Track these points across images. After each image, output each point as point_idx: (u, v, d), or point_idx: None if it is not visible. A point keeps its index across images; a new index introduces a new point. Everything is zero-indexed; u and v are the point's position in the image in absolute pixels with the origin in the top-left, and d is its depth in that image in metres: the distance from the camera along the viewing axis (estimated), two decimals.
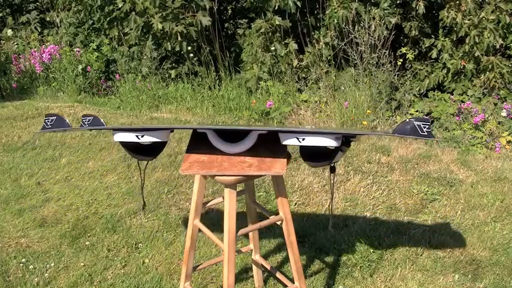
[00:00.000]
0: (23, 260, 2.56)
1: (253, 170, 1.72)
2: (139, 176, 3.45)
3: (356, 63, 4.67)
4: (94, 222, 2.92)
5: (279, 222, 1.92)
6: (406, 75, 4.94)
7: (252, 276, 2.37)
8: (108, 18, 5.58)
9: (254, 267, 2.32)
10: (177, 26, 4.99)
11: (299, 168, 3.48)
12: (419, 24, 5.03)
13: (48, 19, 6.70)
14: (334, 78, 4.84)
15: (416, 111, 4.63)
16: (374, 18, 4.67)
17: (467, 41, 4.63)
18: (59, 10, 6.48)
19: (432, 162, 3.70)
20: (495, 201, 3.16)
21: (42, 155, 3.82)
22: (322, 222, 2.90)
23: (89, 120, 1.91)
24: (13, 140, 4.12)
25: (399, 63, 4.81)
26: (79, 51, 5.78)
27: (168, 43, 5.08)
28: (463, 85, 4.77)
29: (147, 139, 1.77)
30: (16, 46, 6.46)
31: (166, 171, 3.52)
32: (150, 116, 4.76)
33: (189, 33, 5.02)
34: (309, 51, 5.04)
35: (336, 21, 4.75)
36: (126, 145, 1.87)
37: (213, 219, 2.90)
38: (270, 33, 5.02)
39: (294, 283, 2.00)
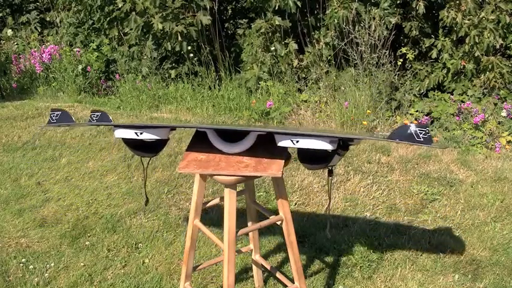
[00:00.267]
0: (23, 260, 2.56)
1: (249, 171, 1.71)
2: (139, 176, 3.45)
3: (356, 63, 4.66)
4: (94, 222, 2.92)
5: (279, 222, 1.92)
6: (406, 75, 4.94)
7: (252, 276, 2.37)
8: (108, 18, 5.58)
9: (254, 267, 2.32)
10: (177, 26, 4.99)
11: (299, 168, 3.48)
12: (420, 24, 5.03)
13: (48, 19, 6.70)
14: (334, 78, 4.84)
15: (416, 111, 4.63)
16: (374, 18, 4.67)
17: (467, 41, 4.63)
18: (59, 10, 6.48)
19: (432, 162, 3.70)
20: (495, 201, 3.16)
21: (42, 155, 3.82)
22: (322, 222, 2.90)
23: (97, 115, 1.93)
24: (13, 140, 4.12)
25: (399, 63, 4.81)
26: (79, 51, 5.78)
27: (168, 43, 5.08)
28: (463, 85, 4.77)
29: (146, 136, 1.78)
30: (16, 46, 6.46)
31: (166, 171, 3.52)
32: (150, 116, 4.76)
33: (189, 33, 5.02)
34: (309, 51, 5.04)
35: (336, 21, 4.75)
36: (128, 142, 1.88)
37: (213, 219, 2.90)
38: (270, 33, 5.02)
39: (294, 283, 2.00)
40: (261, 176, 1.74)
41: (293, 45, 5.00)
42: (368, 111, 4.45)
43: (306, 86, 5.00)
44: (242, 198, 2.76)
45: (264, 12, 5.05)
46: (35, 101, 5.30)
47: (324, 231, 2.79)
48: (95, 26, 5.90)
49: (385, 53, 4.55)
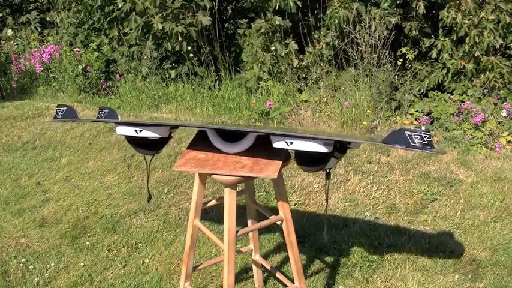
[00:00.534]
0: (23, 260, 2.56)
1: (245, 171, 1.71)
2: (139, 176, 3.45)
3: (356, 63, 4.67)
4: (94, 222, 2.92)
5: (279, 222, 1.92)
6: (406, 75, 4.94)
7: (252, 276, 2.37)
8: (108, 18, 5.58)
9: (254, 267, 2.32)
10: (177, 26, 4.99)
11: (299, 169, 3.47)
12: (420, 24, 5.03)
13: (48, 19, 6.70)
14: (334, 78, 4.84)
15: (416, 111, 4.63)
16: (374, 18, 4.67)
17: (467, 41, 4.63)
18: (59, 10, 6.48)
19: (432, 162, 3.70)
20: (495, 201, 3.16)
21: (42, 155, 3.82)
22: (322, 222, 2.90)
23: (105, 112, 1.95)
24: (13, 140, 4.12)
25: (399, 63, 4.81)
26: (79, 51, 5.78)
27: (168, 43, 5.08)
28: (463, 85, 4.77)
29: (146, 134, 1.80)
30: (16, 46, 6.46)
31: (166, 171, 3.52)
32: (150, 116, 4.76)
33: (189, 33, 5.02)
34: (309, 51, 5.04)
35: (336, 21, 4.75)
36: (130, 140, 1.90)
37: (213, 219, 2.90)
38: (270, 33, 5.02)
39: (294, 283, 2.00)
40: (257, 177, 1.73)
41: (293, 45, 5.00)
42: (368, 111, 4.45)
43: (306, 86, 5.00)
44: (242, 198, 2.76)
45: (264, 12, 5.05)
46: (35, 101, 5.29)
47: (326, 230, 2.80)
48: (95, 26, 5.90)
49: (385, 53, 4.55)
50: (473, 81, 4.74)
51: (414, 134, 1.49)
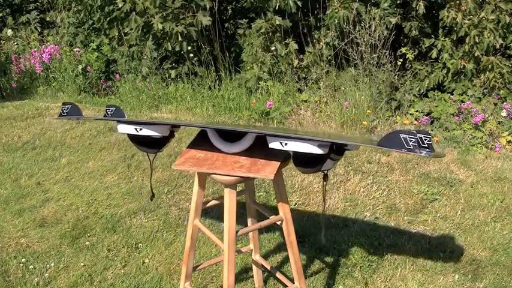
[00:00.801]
0: (23, 260, 2.56)
1: (242, 171, 1.71)
2: (139, 176, 3.45)
3: (356, 63, 4.67)
4: (94, 222, 2.92)
5: (279, 222, 1.92)
6: (406, 75, 4.94)
7: (252, 276, 2.37)
8: (108, 18, 5.58)
9: (254, 267, 2.32)
10: (177, 26, 4.99)
11: None
12: (419, 24, 5.03)
13: (48, 19, 6.70)
14: (334, 78, 4.84)
15: (416, 111, 4.63)
16: (374, 18, 4.67)
17: (467, 41, 4.63)
18: (59, 10, 6.48)
19: (432, 162, 3.70)
20: (495, 201, 3.16)
21: (42, 155, 3.82)
22: (323, 222, 2.90)
23: (112, 110, 1.97)
24: (13, 140, 4.12)
25: (399, 63, 4.81)
26: (79, 51, 5.78)
27: (168, 43, 5.08)
28: (463, 85, 4.77)
29: (145, 132, 1.81)
30: (16, 46, 6.46)
31: (166, 171, 3.52)
32: (150, 116, 4.76)
33: (189, 33, 5.02)
34: (309, 51, 5.04)
35: (336, 21, 4.75)
36: (132, 138, 1.91)
37: (213, 219, 2.90)
38: (270, 33, 5.02)
39: (294, 283, 2.00)
40: (254, 178, 1.73)
41: (293, 45, 5.00)
42: (368, 111, 4.45)
43: (306, 86, 5.00)
44: (242, 198, 2.76)
45: (264, 12, 5.05)
46: (35, 101, 5.30)
47: (324, 231, 2.80)
48: (95, 26, 5.90)
49: (385, 53, 4.55)
50: (473, 81, 4.74)
51: (409, 137, 1.45)
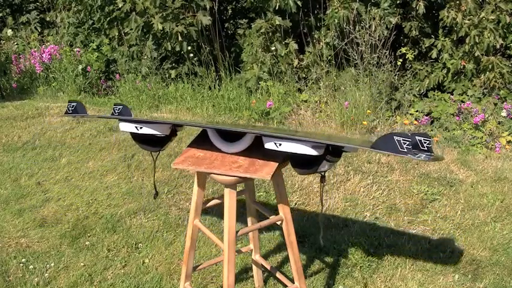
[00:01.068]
0: (23, 260, 2.56)
1: (239, 171, 1.71)
2: (139, 176, 3.45)
3: (356, 63, 4.67)
4: (94, 222, 2.92)
5: (279, 222, 1.92)
6: (406, 75, 4.94)
7: (252, 276, 2.37)
8: (108, 18, 5.58)
9: (254, 267, 2.32)
10: (177, 26, 4.99)
11: None
12: (419, 24, 5.03)
13: (48, 19, 6.70)
14: (334, 78, 4.84)
15: (416, 111, 4.63)
16: (374, 18, 4.67)
17: (467, 41, 4.63)
18: (59, 10, 6.48)
19: (432, 162, 3.70)
20: (495, 201, 3.16)
21: (42, 155, 3.82)
22: (323, 222, 2.90)
23: (119, 108, 2.00)
24: (13, 140, 4.12)
25: (399, 63, 4.81)
26: (79, 51, 5.78)
27: (168, 43, 5.08)
28: (463, 85, 4.77)
29: (146, 131, 1.83)
30: (16, 46, 6.46)
31: (166, 171, 3.52)
32: (150, 116, 4.76)
33: (189, 33, 5.02)
34: (309, 51, 5.04)
35: (336, 21, 4.75)
36: (134, 136, 1.93)
37: (213, 219, 2.90)
38: (270, 33, 5.02)
39: (294, 283, 2.00)
40: (251, 178, 1.73)
41: (293, 45, 5.00)
42: (368, 111, 4.45)
43: (306, 86, 5.00)
44: (242, 198, 2.76)
45: (264, 12, 5.05)
46: (35, 101, 5.30)
47: (324, 231, 2.79)
48: (95, 26, 5.90)
49: (385, 53, 4.55)
50: (473, 81, 4.74)
51: (403, 139, 1.42)
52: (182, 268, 2.09)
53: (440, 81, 4.91)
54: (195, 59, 5.24)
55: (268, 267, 2.21)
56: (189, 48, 5.11)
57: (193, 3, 5.07)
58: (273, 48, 5.00)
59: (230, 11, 6.19)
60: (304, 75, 5.11)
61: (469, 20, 4.60)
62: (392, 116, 4.62)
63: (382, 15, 4.72)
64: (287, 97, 4.83)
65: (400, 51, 5.02)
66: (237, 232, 1.80)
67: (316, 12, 5.15)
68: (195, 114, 4.85)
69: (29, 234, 2.81)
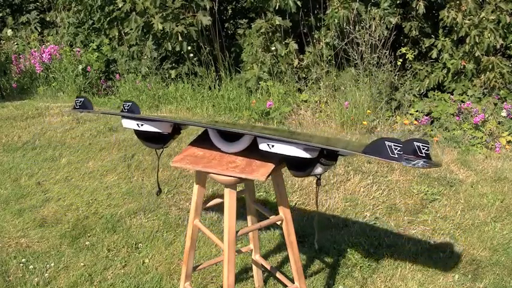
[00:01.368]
0: (23, 260, 2.56)
1: (235, 171, 1.71)
2: (139, 176, 3.45)
3: (356, 63, 4.67)
4: (94, 222, 2.92)
5: (279, 222, 1.92)
6: (406, 75, 4.94)
7: (252, 276, 2.37)
8: (108, 18, 5.58)
9: (254, 267, 2.32)
10: (177, 26, 4.99)
11: None
12: (420, 24, 5.04)
13: (48, 19, 6.70)
14: (334, 78, 4.84)
15: (416, 111, 4.63)
16: (374, 18, 4.67)
17: (467, 41, 4.63)
18: (59, 10, 6.49)
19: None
20: (495, 201, 3.16)
21: (42, 155, 3.82)
22: (323, 222, 2.90)
23: (128, 105, 2.03)
24: (13, 140, 4.12)
25: (399, 63, 4.81)
26: (79, 51, 5.78)
27: (169, 43, 5.08)
28: (463, 85, 4.78)
29: (147, 128, 1.85)
30: (16, 46, 6.46)
31: (166, 171, 3.52)
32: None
33: (189, 33, 5.02)
34: (309, 51, 5.04)
35: (336, 21, 4.75)
36: (138, 134, 1.95)
37: (213, 219, 2.90)
38: (270, 33, 5.02)
39: (294, 283, 2.00)
40: (246, 179, 1.72)
41: (293, 45, 5.00)
42: (368, 111, 4.45)
43: (306, 86, 5.00)
44: (242, 198, 2.76)
45: (264, 12, 5.06)
46: (35, 101, 5.30)
47: (324, 231, 2.80)
48: (95, 26, 5.90)
49: (385, 53, 4.55)
50: (474, 81, 4.74)
51: (394, 145, 1.39)
52: (182, 268, 2.09)
53: (440, 81, 4.91)
54: (195, 59, 5.24)
55: (268, 267, 2.21)
56: (189, 48, 5.11)
57: (193, 3, 5.07)
58: (273, 48, 5.00)
59: (230, 11, 6.19)
60: (304, 75, 5.11)
61: (469, 20, 4.60)
62: (393, 116, 4.62)
63: (382, 15, 4.73)
64: (287, 97, 4.83)
65: (400, 51, 5.02)
66: (237, 232, 1.80)
67: (316, 12, 5.15)
68: (195, 114, 4.85)
69: (29, 234, 2.81)
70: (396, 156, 1.38)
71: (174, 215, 2.99)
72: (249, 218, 2.18)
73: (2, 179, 3.45)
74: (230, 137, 1.80)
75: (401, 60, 4.89)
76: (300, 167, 1.66)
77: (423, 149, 1.42)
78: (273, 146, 1.60)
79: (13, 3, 6.91)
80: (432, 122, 4.50)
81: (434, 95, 4.84)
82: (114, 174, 3.48)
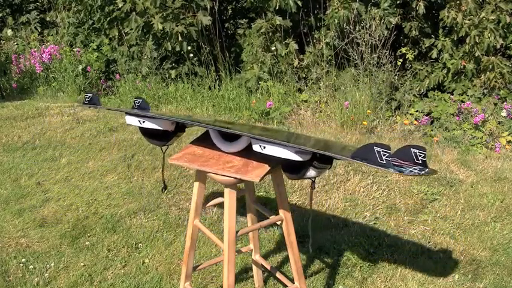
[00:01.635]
0: (23, 260, 2.56)
1: (231, 171, 1.71)
2: (139, 176, 3.45)
3: (356, 63, 4.67)
4: (94, 222, 2.92)
5: (279, 222, 1.91)
6: (406, 75, 4.94)
7: (252, 276, 2.37)
8: (108, 18, 5.58)
9: (254, 267, 2.32)
10: (177, 26, 4.99)
11: None
12: (420, 24, 5.04)
13: (48, 19, 6.70)
14: (334, 78, 4.85)
15: (416, 111, 4.63)
16: (374, 18, 4.67)
17: (467, 41, 4.63)
18: (59, 10, 6.48)
19: (432, 162, 3.70)
20: (495, 201, 3.16)
21: (42, 155, 3.82)
22: (322, 222, 2.90)
23: (139, 102, 2.08)
24: (13, 140, 4.12)
25: (399, 63, 4.81)
26: (79, 51, 5.78)
27: (169, 43, 5.08)
28: (463, 85, 4.78)
29: (148, 125, 1.87)
30: (16, 46, 6.46)
31: (167, 171, 3.52)
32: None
33: (189, 33, 5.02)
34: (309, 51, 5.04)
35: (336, 21, 4.75)
36: (144, 131, 1.97)
37: (213, 219, 2.90)
38: (271, 33, 5.02)
39: (294, 283, 2.00)
40: (240, 179, 1.72)
41: (293, 45, 5.00)
42: (368, 111, 4.45)
43: (306, 86, 5.00)
44: (242, 198, 2.76)
45: (265, 12, 5.06)
46: (35, 101, 5.30)
47: (324, 231, 2.80)
48: (95, 26, 5.90)
49: (385, 53, 4.55)
50: (474, 81, 4.74)
51: (383, 151, 1.36)
52: (182, 268, 2.09)
53: (440, 81, 4.91)
54: (195, 59, 5.24)
55: (268, 267, 2.21)
56: (189, 48, 5.11)
57: (194, 3, 5.07)
58: (273, 48, 5.00)
59: (230, 11, 6.19)
60: (304, 75, 5.11)
61: (469, 20, 4.60)
62: (393, 116, 4.62)
63: (382, 15, 4.73)
64: (287, 97, 4.83)
65: (400, 51, 5.02)
66: (237, 232, 1.80)
67: (316, 12, 5.15)
68: (195, 114, 4.85)
69: (29, 234, 2.81)
70: (384, 162, 1.35)
71: (174, 215, 2.99)
72: (249, 218, 2.18)
73: (2, 179, 3.45)
74: (230, 136, 1.81)
75: (401, 60, 4.89)
76: (293, 169, 1.65)
77: (420, 155, 1.39)
78: (264, 147, 1.60)
79: (13, 3, 6.91)
80: (432, 122, 4.50)
81: (434, 95, 4.84)
82: (114, 174, 3.48)
